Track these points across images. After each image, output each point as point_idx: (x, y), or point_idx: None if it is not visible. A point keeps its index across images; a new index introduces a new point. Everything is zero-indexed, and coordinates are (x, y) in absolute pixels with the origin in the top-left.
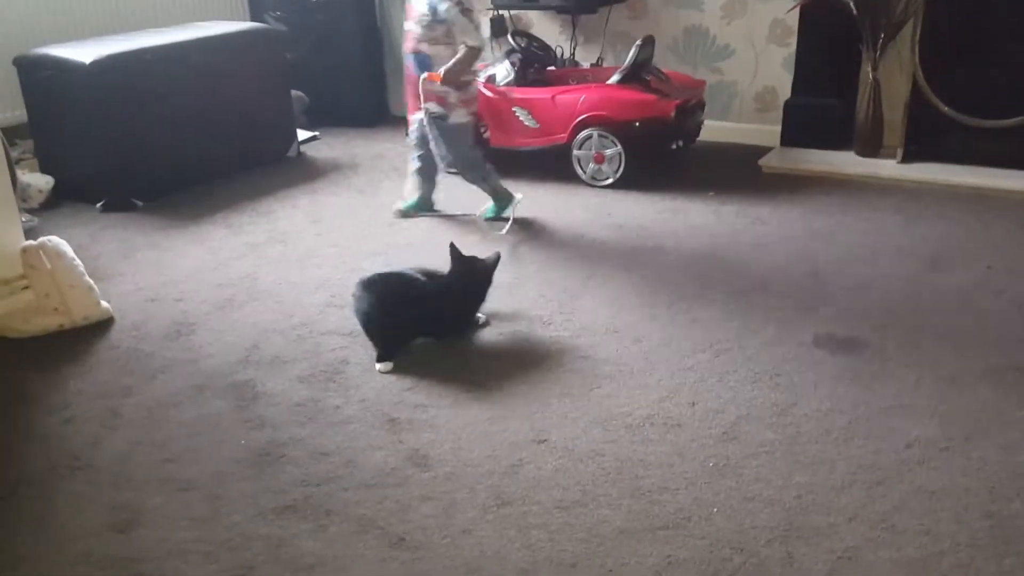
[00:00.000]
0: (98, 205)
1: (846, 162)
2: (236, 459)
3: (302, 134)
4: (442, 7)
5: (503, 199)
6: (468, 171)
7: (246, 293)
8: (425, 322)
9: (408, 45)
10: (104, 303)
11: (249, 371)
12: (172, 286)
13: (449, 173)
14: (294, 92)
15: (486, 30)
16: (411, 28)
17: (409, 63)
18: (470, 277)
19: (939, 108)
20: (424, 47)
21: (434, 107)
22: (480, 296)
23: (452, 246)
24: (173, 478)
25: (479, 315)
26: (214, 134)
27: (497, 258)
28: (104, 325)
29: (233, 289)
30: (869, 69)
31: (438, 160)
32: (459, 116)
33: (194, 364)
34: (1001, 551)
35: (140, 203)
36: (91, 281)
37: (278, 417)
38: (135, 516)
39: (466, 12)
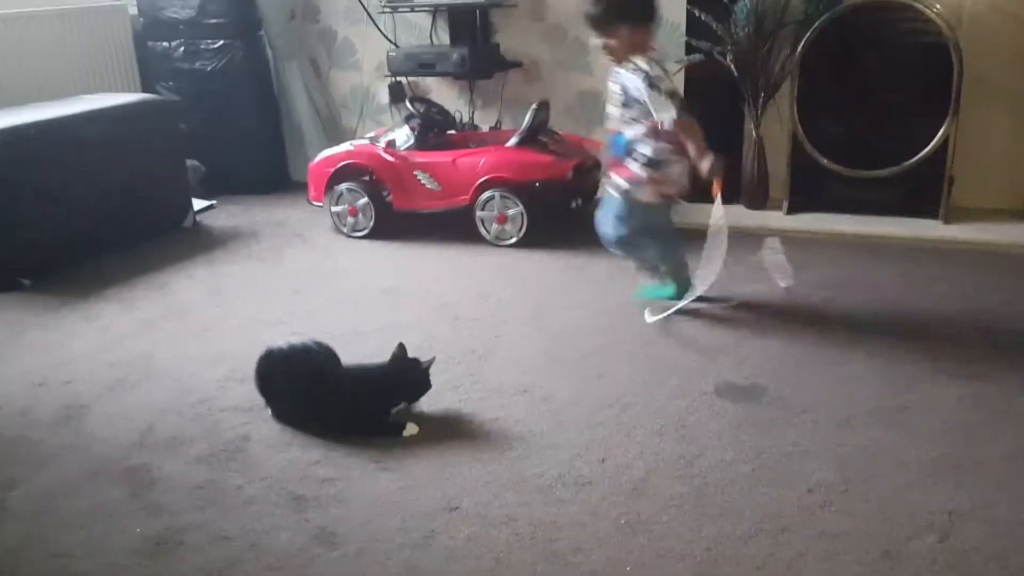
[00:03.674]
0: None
1: (736, 215)
2: (132, 549)
3: (198, 203)
4: (631, 85)
5: (682, 285)
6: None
7: (140, 372)
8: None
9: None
10: None
11: (144, 454)
12: (62, 368)
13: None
14: (189, 161)
15: (384, 95)
16: (610, 111)
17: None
18: (404, 377)
19: (819, 161)
20: (620, 127)
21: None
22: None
23: (400, 346)
24: (65, 573)
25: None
26: (106, 207)
27: (431, 363)
28: None
29: (126, 368)
30: (752, 126)
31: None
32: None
33: (86, 450)
34: None
35: (28, 282)
36: None
37: (176, 502)
38: None
39: (655, 86)
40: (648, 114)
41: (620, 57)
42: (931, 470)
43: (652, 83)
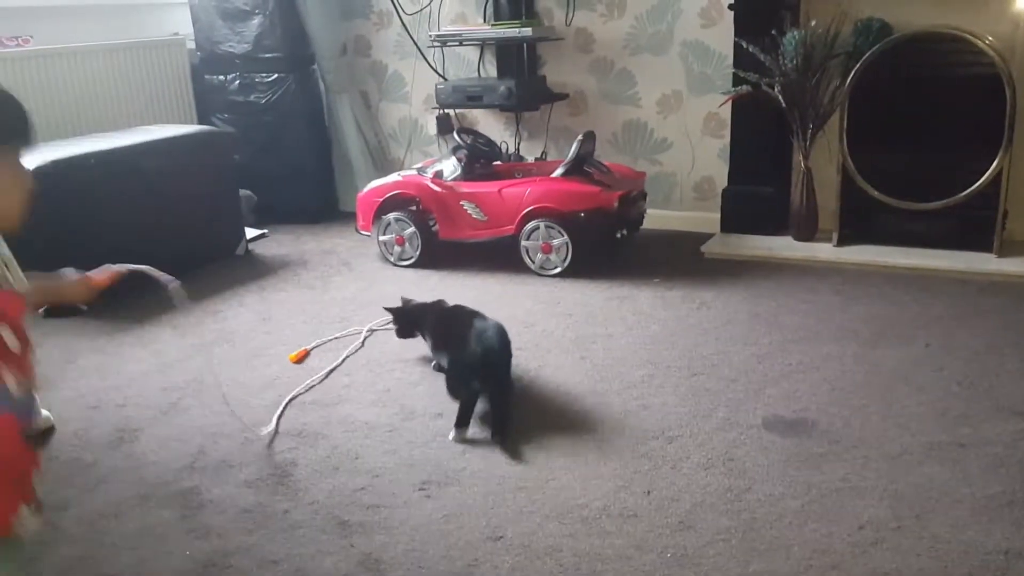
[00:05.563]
0: (40, 311)
1: (784, 247)
2: (181, 571)
3: (250, 232)
4: None
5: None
6: None
7: (192, 396)
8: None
9: None
10: (45, 412)
11: (195, 477)
12: (116, 391)
13: None
14: (242, 191)
15: (432, 127)
16: None
17: None
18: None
19: (869, 193)
20: None
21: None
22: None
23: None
24: None
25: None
26: (161, 235)
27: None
28: (44, 435)
29: (178, 392)
30: (800, 158)
31: None
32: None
33: (137, 472)
34: None
35: (84, 307)
36: None
37: (225, 525)
38: None
39: None
40: None
41: None
42: (986, 508)
43: None
